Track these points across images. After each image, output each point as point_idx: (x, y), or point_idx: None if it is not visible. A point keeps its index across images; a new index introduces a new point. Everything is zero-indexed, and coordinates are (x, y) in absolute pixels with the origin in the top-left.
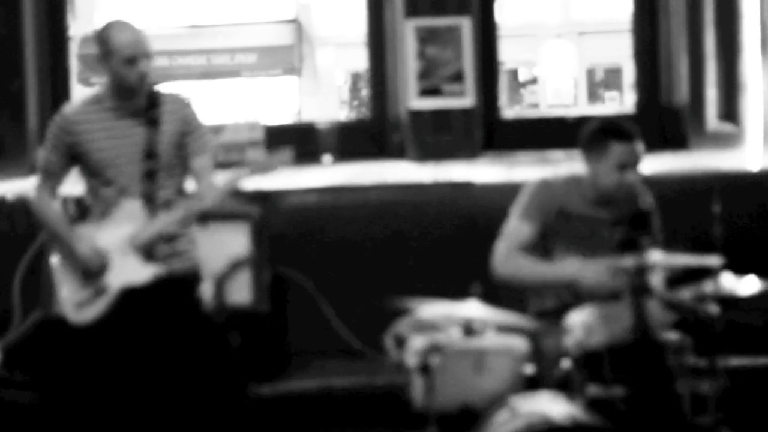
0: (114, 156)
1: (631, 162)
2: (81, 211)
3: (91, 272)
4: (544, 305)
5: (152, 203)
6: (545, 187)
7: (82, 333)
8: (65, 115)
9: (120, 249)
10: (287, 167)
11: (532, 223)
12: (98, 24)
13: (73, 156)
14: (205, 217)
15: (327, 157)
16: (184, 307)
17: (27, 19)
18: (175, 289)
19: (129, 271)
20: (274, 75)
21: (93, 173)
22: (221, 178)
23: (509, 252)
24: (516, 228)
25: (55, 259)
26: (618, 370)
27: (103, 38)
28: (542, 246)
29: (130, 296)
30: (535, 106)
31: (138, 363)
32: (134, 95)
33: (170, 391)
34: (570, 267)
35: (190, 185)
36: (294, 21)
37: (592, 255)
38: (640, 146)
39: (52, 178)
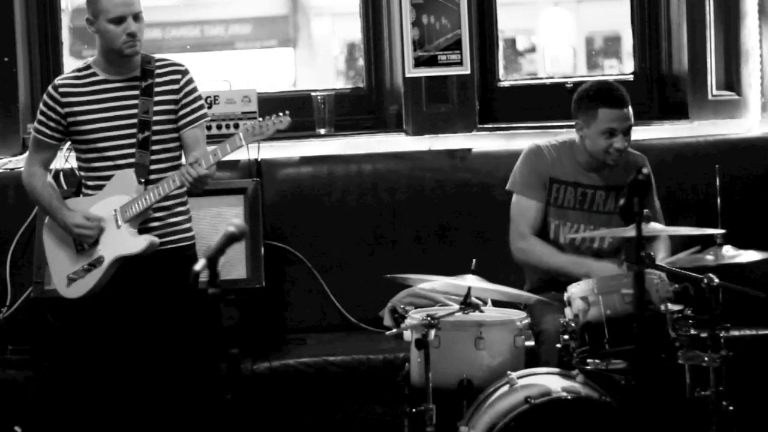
0: (107, 127)
1: (619, 129)
2: (75, 184)
3: (84, 243)
4: (542, 278)
5: (146, 174)
6: (536, 155)
7: (75, 307)
8: (57, 86)
9: (113, 220)
10: (283, 129)
11: (534, 195)
12: None
13: (66, 127)
14: (205, 191)
15: (322, 122)
16: (179, 282)
17: None
18: (171, 264)
19: (122, 242)
20: (269, 46)
21: (86, 145)
22: (216, 147)
23: (525, 237)
24: (521, 205)
25: (46, 234)
26: (618, 342)
27: None
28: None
29: (124, 266)
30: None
31: (131, 336)
32: (124, 61)
33: (164, 366)
34: (591, 265)
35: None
36: None
37: (585, 221)
38: (629, 112)
39: (44, 151)
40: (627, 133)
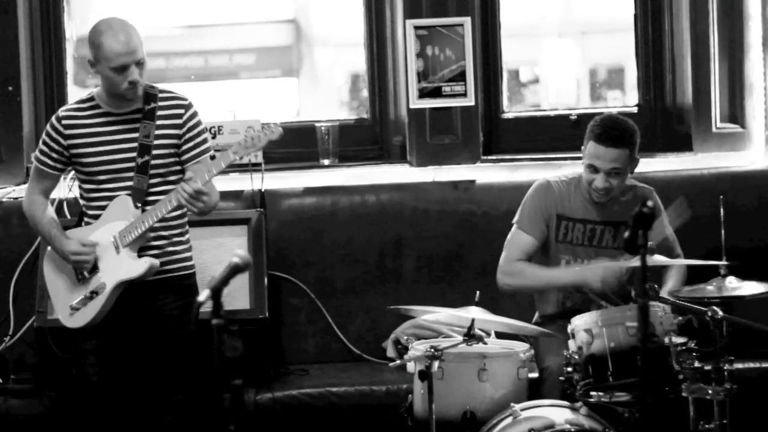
0: (108, 159)
1: (601, 167)
2: (77, 213)
3: (83, 271)
4: (546, 310)
5: (143, 199)
6: (544, 191)
7: (78, 336)
8: (60, 118)
9: (112, 246)
10: (276, 140)
11: (532, 231)
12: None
13: (68, 158)
14: (208, 220)
15: (326, 153)
16: (182, 314)
17: (21, 21)
18: (169, 292)
19: (123, 267)
20: (272, 76)
21: (87, 176)
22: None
23: (511, 262)
24: (517, 237)
25: (47, 265)
26: (622, 374)
27: (94, 43)
28: (544, 249)
29: (126, 293)
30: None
31: (133, 366)
32: (126, 101)
33: (165, 399)
34: (572, 271)
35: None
36: (292, 21)
37: (592, 257)
38: (618, 154)
39: (45, 180)
40: (611, 174)
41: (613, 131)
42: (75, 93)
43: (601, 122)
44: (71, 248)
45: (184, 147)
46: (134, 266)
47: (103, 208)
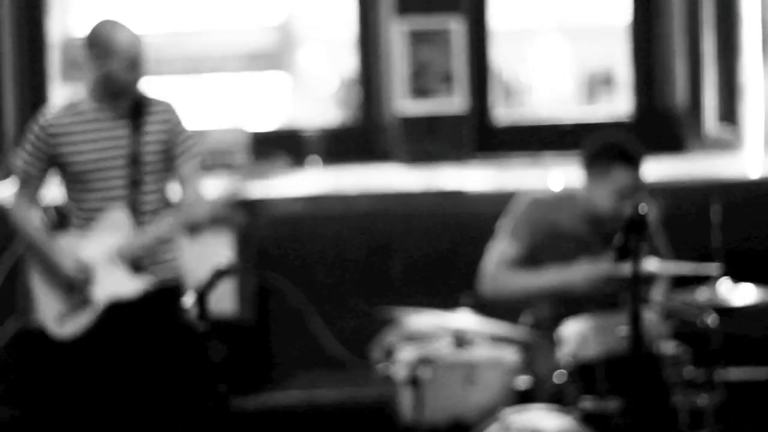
0: (97, 163)
1: (632, 191)
2: (60, 220)
3: (74, 285)
4: (536, 316)
5: (138, 212)
6: (535, 205)
7: (62, 345)
8: (46, 121)
9: (106, 260)
10: (283, 174)
11: (518, 242)
12: (83, 25)
13: (54, 163)
14: (197, 229)
15: (314, 158)
16: (168, 319)
17: (4, 21)
18: (160, 301)
19: (116, 284)
20: (260, 79)
21: (75, 180)
22: (213, 188)
23: (494, 270)
24: (502, 246)
25: (34, 271)
26: (613, 382)
27: (104, 38)
28: (532, 265)
29: (116, 310)
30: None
31: (120, 376)
32: (121, 98)
33: (152, 405)
34: (553, 273)
35: (175, 191)
36: (282, 25)
37: None
38: (643, 172)
39: (30, 184)
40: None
41: (634, 151)
42: (59, 96)
43: (618, 146)
44: (66, 264)
45: (175, 150)
46: (127, 285)
47: (92, 211)
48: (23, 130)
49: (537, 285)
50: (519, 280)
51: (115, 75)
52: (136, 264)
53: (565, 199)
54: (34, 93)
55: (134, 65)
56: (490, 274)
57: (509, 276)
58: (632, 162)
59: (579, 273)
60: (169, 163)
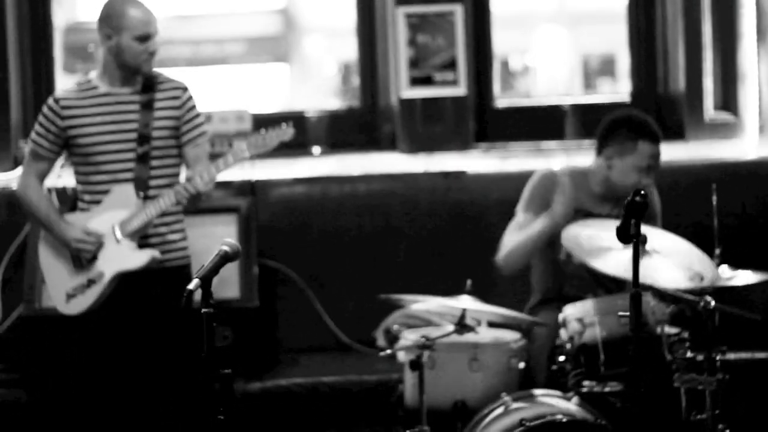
0: (105, 137)
1: (655, 165)
2: (73, 203)
3: (83, 259)
4: (537, 299)
5: (145, 188)
6: (548, 179)
7: (69, 324)
8: (58, 99)
9: (112, 235)
10: (287, 141)
11: (532, 215)
12: (88, 11)
13: (65, 140)
14: (198, 209)
15: (316, 148)
16: (174, 302)
17: (9, 8)
18: (167, 281)
19: (122, 258)
20: (263, 64)
21: (84, 158)
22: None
23: (506, 240)
24: (517, 221)
25: (42, 250)
26: (614, 364)
27: (115, 12)
28: (550, 242)
29: (123, 282)
30: (529, 94)
31: (126, 355)
32: (133, 76)
33: (156, 385)
34: (539, 221)
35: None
36: (283, 10)
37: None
38: (660, 146)
39: (41, 163)
40: (655, 168)
41: (655, 128)
42: (64, 81)
43: (639, 120)
44: (74, 235)
45: (183, 129)
46: (135, 257)
47: (100, 191)
48: (28, 116)
49: (529, 236)
50: (516, 237)
51: (127, 50)
52: (142, 241)
53: (577, 176)
54: (39, 81)
55: (146, 40)
56: (503, 245)
57: (511, 239)
58: (655, 138)
59: (556, 210)
60: (178, 141)
